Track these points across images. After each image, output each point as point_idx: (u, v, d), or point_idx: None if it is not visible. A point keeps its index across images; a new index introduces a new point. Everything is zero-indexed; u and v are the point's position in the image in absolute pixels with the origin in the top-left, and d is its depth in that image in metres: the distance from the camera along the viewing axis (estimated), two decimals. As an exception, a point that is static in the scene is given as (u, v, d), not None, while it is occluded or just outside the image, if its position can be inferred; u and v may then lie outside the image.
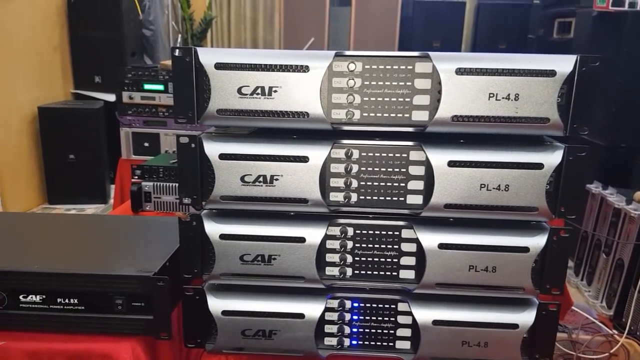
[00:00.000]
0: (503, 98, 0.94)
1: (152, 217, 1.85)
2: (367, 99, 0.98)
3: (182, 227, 1.04)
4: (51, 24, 3.89)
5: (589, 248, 2.26)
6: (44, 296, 1.09)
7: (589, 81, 0.94)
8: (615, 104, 2.71)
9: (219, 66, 0.94)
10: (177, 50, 0.94)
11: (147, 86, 2.98)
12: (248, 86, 0.94)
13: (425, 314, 1.05)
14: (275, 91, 0.94)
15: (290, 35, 5.56)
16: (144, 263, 1.14)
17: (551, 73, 0.94)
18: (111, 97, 3.81)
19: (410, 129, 0.99)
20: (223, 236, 1.02)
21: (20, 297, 1.09)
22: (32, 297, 1.09)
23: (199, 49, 0.93)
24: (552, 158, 0.97)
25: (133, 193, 2.14)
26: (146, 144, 3.03)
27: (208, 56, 0.94)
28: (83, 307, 1.11)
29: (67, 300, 1.10)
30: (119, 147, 3.06)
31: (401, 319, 1.09)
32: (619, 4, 2.71)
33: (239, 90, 0.95)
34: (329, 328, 1.10)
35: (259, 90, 0.94)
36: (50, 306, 1.10)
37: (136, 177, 2.18)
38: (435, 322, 1.05)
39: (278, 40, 5.64)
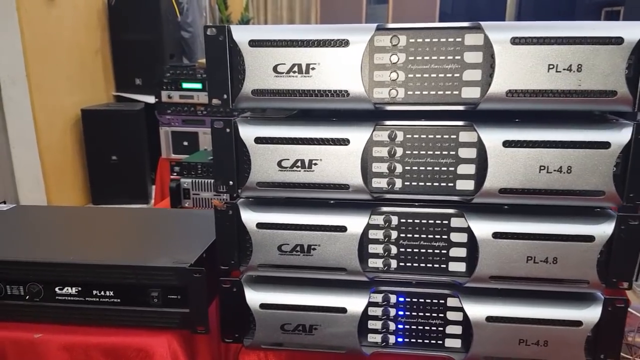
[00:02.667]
0: (564, 69, 0.85)
1: (190, 209, 1.83)
2: (412, 75, 0.91)
3: (218, 216, 1.00)
4: (93, 27, 3.99)
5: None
6: (79, 288, 1.07)
7: (661, 50, 0.84)
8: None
9: (254, 43, 0.89)
10: (210, 29, 0.89)
11: (185, 85, 3.00)
12: (284, 64, 0.89)
13: (478, 310, 0.97)
14: (313, 68, 0.89)
15: (326, 33, 5.50)
16: (181, 254, 1.10)
17: (618, 41, 0.84)
18: (151, 99, 3.88)
19: (460, 108, 0.91)
20: (260, 225, 0.97)
21: (56, 289, 1.07)
22: (67, 289, 1.07)
23: (232, 27, 0.89)
24: (619, 136, 0.87)
25: (172, 189, 2.14)
26: (185, 143, 3.05)
27: (242, 33, 0.89)
28: (119, 300, 1.08)
29: (102, 293, 1.08)
30: (159, 148, 3.09)
31: (451, 315, 1.01)
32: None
33: (275, 69, 0.89)
34: (372, 324, 1.04)
35: (295, 68, 0.89)
36: (86, 298, 1.08)
37: (175, 174, 2.18)
38: (489, 319, 0.96)
39: (314, 39, 5.60)
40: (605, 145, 0.87)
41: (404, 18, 5.44)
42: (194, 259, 1.07)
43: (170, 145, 3.08)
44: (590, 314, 0.94)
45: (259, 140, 0.93)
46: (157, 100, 3.07)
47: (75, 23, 3.74)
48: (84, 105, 3.81)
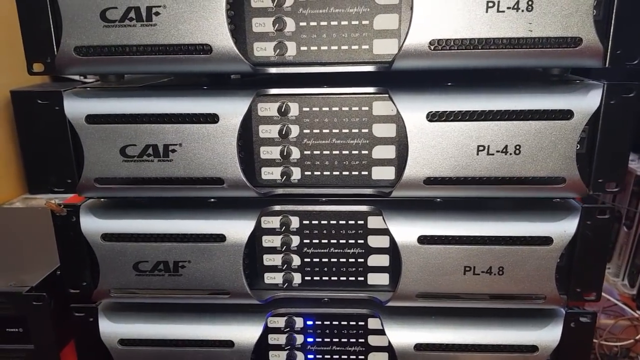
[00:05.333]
0: (509, 8, 0.60)
1: None
2: (304, 24, 0.66)
3: (57, 224, 0.73)
4: None
5: (608, 221, 1.95)
6: None
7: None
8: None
9: (65, -24, 0.61)
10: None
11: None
12: (115, 7, 0.62)
13: (403, 336, 0.74)
14: (158, 13, 0.62)
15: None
16: (26, 273, 0.85)
17: (583, -33, 0.60)
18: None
19: (370, 68, 0.66)
20: (107, 236, 0.71)
21: None
22: None
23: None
24: (585, 102, 0.64)
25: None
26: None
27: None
28: (-58, 337, 0.82)
29: None
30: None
31: (374, 340, 0.79)
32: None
33: (103, 16, 0.62)
34: (275, 355, 0.80)
35: (132, 14, 0.62)
36: None
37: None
38: (419, 347, 0.73)
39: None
40: (567, 114, 0.64)
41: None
42: (37, 281, 0.81)
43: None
44: (548, 336, 0.73)
45: (91, 118, 0.66)
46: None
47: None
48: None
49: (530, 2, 0.60)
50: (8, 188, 3.63)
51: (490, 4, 0.60)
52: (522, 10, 0.60)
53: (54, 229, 0.74)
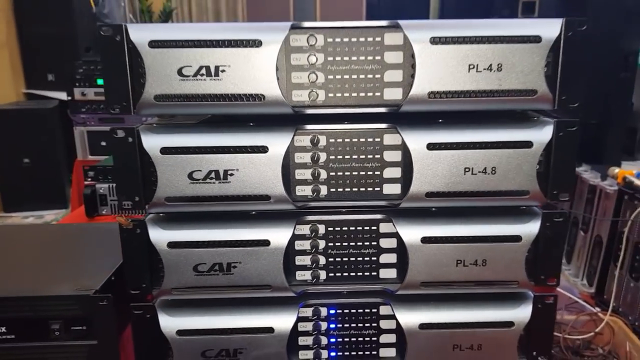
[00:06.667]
0: (484, 69, 0.82)
1: (99, 224, 1.68)
2: (332, 77, 0.85)
3: (124, 236, 0.89)
4: (-5, 20, 3.62)
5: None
6: (-35, 326, 0.93)
7: (576, 47, 0.83)
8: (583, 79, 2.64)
9: (154, 44, 0.79)
10: (104, 29, 0.78)
11: (100, 81, 2.78)
12: (190, 66, 0.80)
13: (410, 318, 0.93)
14: (223, 71, 0.80)
15: (254, 24, 5.34)
16: (86, 279, 0.99)
17: (536, 39, 0.83)
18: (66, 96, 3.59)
19: (382, 110, 0.86)
20: (172, 244, 0.88)
21: (-63, 328, 0.93)
22: (-48, 328, 0.93)
23: (129, 25, 0.78)
24: (541, 135, 0.86)
25: (86, 197, 1.96)
26: (103, 143, 2.83)
27: (140, 33, 0.78)
28: (13, 336, 0.95)
29: (-7, 329, 0.94)
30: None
31: (384, 324, 0.97)
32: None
33: (180, 72, 0.80)
34: (303, 340, 0.98)
35: (203, 71, 0.80)
36: (-26, 337, 0.94)
37: (89, 180, 2.01)
38: (423, 326, 0.93)
39: (241, 30, 5.42)
40: (528, 144, 0.86)
41: (334, 7, 5.40)
42: (99, 284, 0.96)
43: (87, 146, 2.85)
44: (522, 313, 0.94)
45: (165, 150, 0.84)
46: (69, 98, 2.83)
47: (-29, 15, 3.37)
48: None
49: (499, 65, 0.82)
50: (-18, 208, 3.64)
51: (471, 66, 0.82)
52: (494, 71, 0.82)
53: (120, 240, 0.90)
